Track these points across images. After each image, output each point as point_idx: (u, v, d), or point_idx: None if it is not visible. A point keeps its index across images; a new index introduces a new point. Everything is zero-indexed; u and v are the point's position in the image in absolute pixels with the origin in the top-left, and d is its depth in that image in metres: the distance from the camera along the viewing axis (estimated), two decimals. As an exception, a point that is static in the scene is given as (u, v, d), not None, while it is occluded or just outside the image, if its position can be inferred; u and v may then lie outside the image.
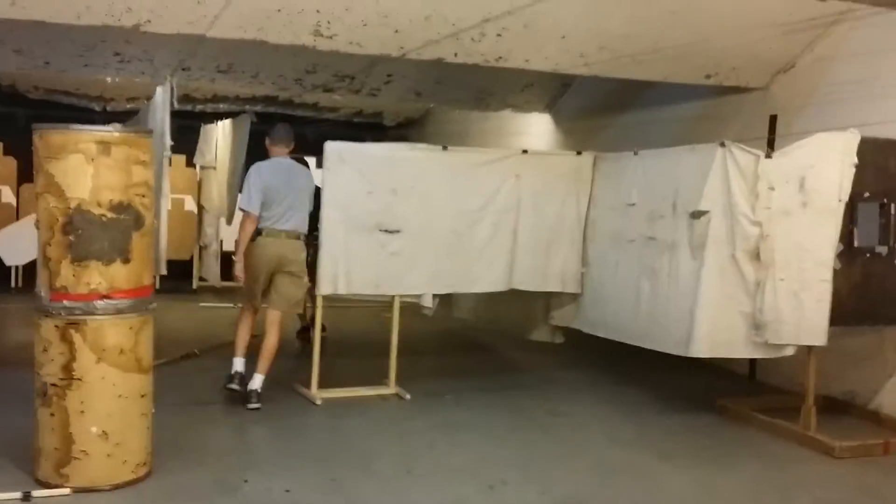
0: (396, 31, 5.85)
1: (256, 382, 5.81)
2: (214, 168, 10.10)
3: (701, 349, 5.58)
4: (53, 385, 4.13)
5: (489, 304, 7.39)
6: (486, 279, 6.56)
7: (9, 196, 9.96)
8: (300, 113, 13.18)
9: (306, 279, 6.08)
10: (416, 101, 10.61)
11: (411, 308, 6.66)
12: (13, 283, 10.24)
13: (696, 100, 7.95)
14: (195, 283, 10.97)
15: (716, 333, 5.55)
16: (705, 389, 6.50)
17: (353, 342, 8.26)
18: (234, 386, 5.84)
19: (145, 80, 8.79)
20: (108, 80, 9.44)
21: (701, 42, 6.20)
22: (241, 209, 5.92)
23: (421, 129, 14.79)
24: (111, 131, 4.11)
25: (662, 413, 6.08)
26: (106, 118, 12.24)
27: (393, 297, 6.37)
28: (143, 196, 4.21)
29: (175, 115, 10.81)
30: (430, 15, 5.67)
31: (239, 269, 5.98)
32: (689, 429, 5.72)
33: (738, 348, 5.63)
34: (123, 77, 9.02)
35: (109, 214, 4.07)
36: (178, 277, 10.47)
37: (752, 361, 6.79)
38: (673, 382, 6.74)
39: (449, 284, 6.46)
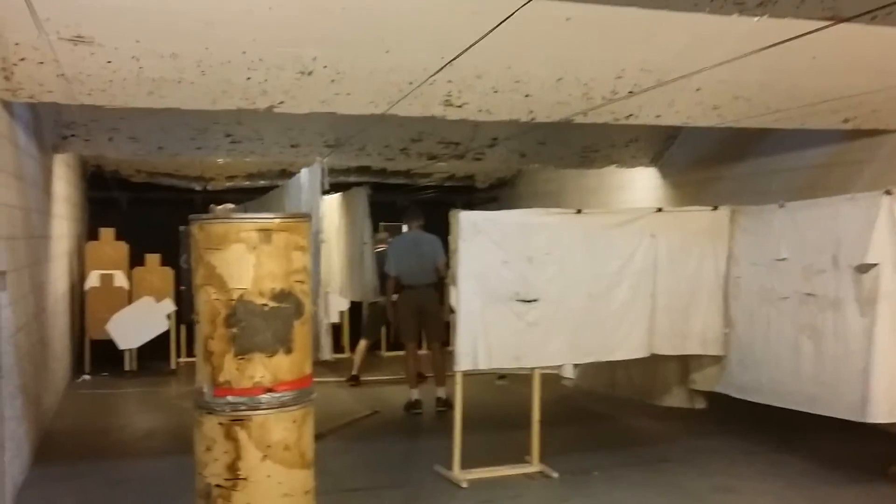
0: (527, 96, 5.70)
1: (440, 392, 7.77)
2: (323, 241, 10.05)
3: (879, 413, 5.17)
4: (218, 486, 3.95)
5: (604, 367, 7.07)
6: (625, 346, 6.27)
7: (121, 280, 10.05)
8: (393, 181, 13.19)
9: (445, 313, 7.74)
10: (519, 163, 10.46)
11: (521, 376, 6.38)
12: (126, 366, 10.28)
13: (824, 144, 7.60)
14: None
15: (895, 395, 5.13)
16: (869, 455, 6.03)
17: (474, 413, 7.97)
18: (418, 411, 7.90)
19: (256, 159, 8.85)
20: (220, 161, 9.53)
21: (840, 87, 5.89)
22: (386, 272, 8.33)
23: (512, 189, 14.65)
24: (272, 218, 3.99)
25: (834, 484, 5.63)
26: (207, 198, 12.40)
27: (532, 369, 6.09)
28: (302, 282, 4.06)
29: (268, 191, 10.88)
30: (562, 77, 5.50)
31: (390, 315, 8.64)
32: (867, 501, 5.27)
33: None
34: (234, 157, 9.09)
35: (271, 304, 3.93)
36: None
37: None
38: (830, 448, 6.28)
39: (589, 352, 6.18)
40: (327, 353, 5.31)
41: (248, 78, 5.09)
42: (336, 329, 11.13)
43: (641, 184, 10.64)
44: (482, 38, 4.33)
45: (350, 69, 5.11)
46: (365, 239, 8.59)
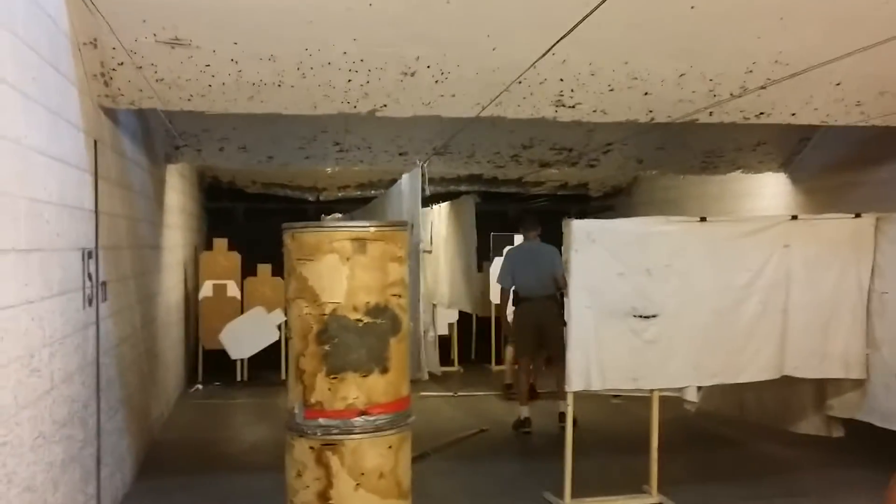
0: (646, 94, 5.27)
1: (562, 406, 6.52)
2: (430, 252, 9.82)
3: None
4: (310, 513, 3.71)
5: (731, 388, 6.49)
6: (754, 366, 5.72)
7: (234, 290, 10.09)
8: (504, 189, 12.86)
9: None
10: (636, 170, 9.94)
11: (638, 396, 5.91)
12: (239, 377, 10.30)
13: (983, 145, 6.83)
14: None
15: None
16: None
17: (586, 435, 7.53)
18: (527, 429, 7.51)
19: (364, 168, 8.69)
20: (329, 170, 9.42)
21: None
22: (498, 283, 8.13)
23: (628, 198, 14.08)
24: (367, 227, 3.73)
25: None
26: (319, 208, 12.42)
27: (651, 391, 5.63)
28: (400, 296, 3.78)
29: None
30: (685, 72, 5.05)
31: (506, 329, 8.44)
32: None
33: None
34: (343, 166, 8.96)
35: (366, 319, 3.66)
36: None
37: None
38: None
39: (714, 374, 5.66)
40: (425, 374, 5.01)
41: (350, 80, 4.88)
42: (445, 342, 10.90)
43: (769, 191, 9.94)
44: (590, 13, 3.93)
45: (455, 68, 4.82)
46: (472, 249, 8.27)
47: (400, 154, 8.57)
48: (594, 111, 5.46)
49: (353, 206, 12.13)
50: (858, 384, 5.96)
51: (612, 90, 5.19)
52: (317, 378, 3.67)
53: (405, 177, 5.11)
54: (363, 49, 4.54)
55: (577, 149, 8.84)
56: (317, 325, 3.65)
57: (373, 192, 12.12)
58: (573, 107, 5.36)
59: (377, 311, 3.68)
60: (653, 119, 5.67)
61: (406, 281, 3.86)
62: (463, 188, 11.64)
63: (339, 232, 3.66)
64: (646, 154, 9.18)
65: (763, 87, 5.27)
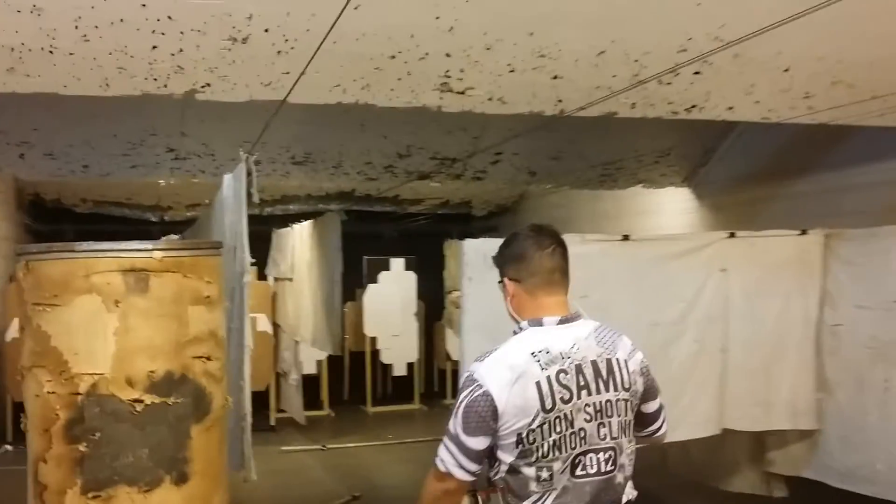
0: (555, 78, 4.08)
1: None
2: (291, 280, 8.40)
3: None
4: None
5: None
6: (689, 421, 4.63)
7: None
8: (379, 208, 11.63)
9: None
10: (528, 182, 8.83)
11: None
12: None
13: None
14: (273, 419, 9.12)
15: None
16: None
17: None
18: None
19: (206, 179, 7.23)
20: (161, 182, 7.88)
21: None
22: None
23: (514, 216, 13.04)
24: (149, 249, 2.34)
25: None
26: (165, 230, 10.77)
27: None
28: (208, 358, 2.40)
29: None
30: (605, 49, 3.89)
31: None
32: None
33: None
34: (179, 178, 7.45)
35: (148, 399, 2.27)
36: (252, 410, 8.71)
37: None
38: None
39: (642, 433, 4.50)
40: (252, 472, 3.62)
41: (155, 46, 3.46)
42: (313, 381, 9.47)
43: (671, 207, 9.03)
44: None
45: (304, 34, 3.49)
46: (335, 276, 6.88)
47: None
48: (490, 99, 4.24)
49: (206, 227, 10.57)
50: (806, 435, 4.95)
51: (512, 71, 3.98)
52: (66, 499, 2.24)
53: (227, 178, 3.72)
54: (171, 1, 3.16)
55: (462, 158, 7.65)
56: (66, 411, 2.24)
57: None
58: (463, 92, 4.12)
59: (168, 384, 2.30)
60: (562, 111, 4.49)
61: (221, 333, 2.49)
62: (333, 207, 10.30)
63: (102, 258, 2.26)
64: (538, 165, 8.10)
65: (698, 74, 4.19)
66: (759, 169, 7.74)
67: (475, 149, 7.51)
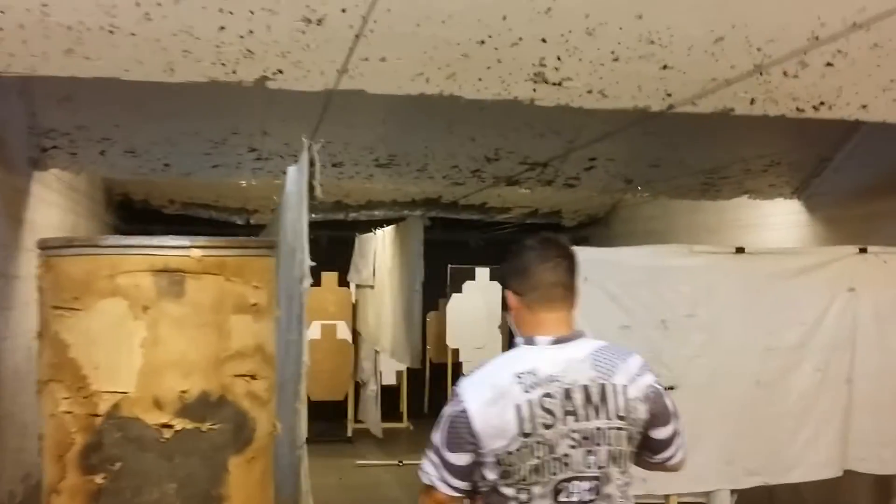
0: (665, 68, 3.62)
1: None
2: (372, 287, 8.09)
3: None
4: None
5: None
6: (809, 460, 4.10)
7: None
8: (465, 216, 11.25)
9: None
10: (624, 191, 8.31)
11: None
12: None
13: None
14: (350, 430, 8.81)
15: None
16: None
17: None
18: None
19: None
20: (243, 183, 7.69)
21: None
22: None
23: (606, 228, 12.47)
24: (186, 246, 2.00)
25: None
26: (250, 233, 10.68)
27: (666, 497, 3.93)
28: (253, 377, 2.06)
29: (324, 225, 9.04)
30: (723, 35, 3.43)
31: None
32: None
33: None
34: (261, 178, 7.23)
35: (179, 424, 1.93)
36: (330, 420, 8.48)
37: None
38: None
39: (753, 471, 4.00)
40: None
41: (222, 27, 3.17)
42: (392, 392, 9.15)
43: (778, 220, 8.34)
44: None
45: (384, 14, 3.14)
46: (416, 285, 6.51)
47: (333, 165, 6.87)
48: (589, 92, 3.80)
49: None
50: (942, 482, 4.33)
51: (616, 59, 3.54)
52: (81, 536, 1.91)
53: (291, 171, 3.37)
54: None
55: (553, 164, 7.19)
56: (82, 435, 1.91)
57: (312, 215, 10.34)
58: (559, 83, 3.69)
59: (203, 407, 1.96)
60: (671, 106, 4.01)
61: (270, 347, 2.13)
62: (418, 213, 9.99)
63: (131, 256, 1.92)
64: (636, 172, 7.56)
65: (830, 65, 3.67)
66: (881, 180, 7.04)
67: (568, 153, 7.06)
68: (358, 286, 8.99)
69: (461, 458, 2.19)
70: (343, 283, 9.16)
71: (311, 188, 2.87)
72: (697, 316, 3.83)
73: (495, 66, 3.54)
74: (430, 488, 2.23)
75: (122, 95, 5.16)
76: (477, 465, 2.19)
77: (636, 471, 3.73)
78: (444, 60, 3.47)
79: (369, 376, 8.50)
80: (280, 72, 3.48)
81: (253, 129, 6.34)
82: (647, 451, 2.42)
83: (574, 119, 6.54)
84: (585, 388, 2.22)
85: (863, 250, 4.16)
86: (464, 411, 2.18)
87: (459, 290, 9.84)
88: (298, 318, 2.42)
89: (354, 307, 8.91)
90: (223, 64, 3.39)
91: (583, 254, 3.73)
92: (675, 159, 7.46)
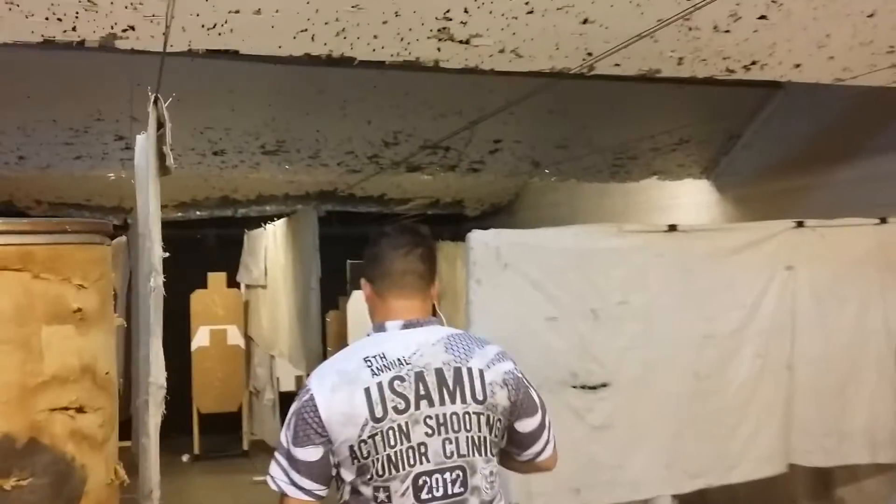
0: (585, 22, 3.18)
1: None
2: (265, 287, 7.46)
3: None
4: None
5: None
6: (751, 456, 3.73)
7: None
8: (364, 209, 10.71)
9: None
10: (531, 175, 7.93)
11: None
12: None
13: None
14: (246, 443, 8.16)
15: None
16: None
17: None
18: None
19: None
20: (112, 176, 6.95)
21: None
22: None
23: (510, 217, 12.13)
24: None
25: None
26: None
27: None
28: (79, 409, 1.47)
29: (210, 223, 8.34)
30: (650, -17, 3.01)
31: None
32: None
33: None
34: (132, 171, 6.50)
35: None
36: (222, 433, 7.83)
37: None
38: None
39: (695, 474, 3.61)
40: None
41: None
42: (291, 400, 8.54)
43: (687, 201, 8.12)
44: None
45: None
46: (313, 282, 5.94)
47: (214, 154, 6.25)
48: (501, 51, 3.32)
49: (174, 230, 9.60)
50: (884, 469, 4.07)
51: (531, 12, 3.08)
52: None
53: (139, 139, 2.74)
54: None
55: (457, 147, 6.74)
56: None
57: (197, 213, 9.60)
58: (467, 41, 3.21)
59: (6, 455, 1.36)
60: (591, 67, 3.57)
61: (103, 367, 1.56)
62: (312, 207, 9.39)
63: None
64: (543, 154, 7.19)
65: (764, 18, 3.30)
66: (791, 156, 6.86)
67: (473, 136, 6.61)
68: (249, 287, 8.33)
69: (311, 454, 2.05)
70: (233, 284, 8.48)
71: (163, 157, 2.28)
72: (630, 303, 3.41)
73: (392, 19, 3.02)
74: (280, 497, 2.08)
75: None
76: (331, 463, 2.07)
77: (568, 481, 3.32)
78: (333, 13, 2.93)
79: (265, 384, 7.86)
80: (131, 28, 2.87)
81: (119, 114, 5.65)
82: (514, 447, 2.27)
83: (476, 98, 6.11)
84: (439, 372, 2.12)
85: (800, 224, 3.83)
86: (310, 399, 2.07)
87: (360, 287, 9.27)
88: (146, 326, 1.88)
89: (246, 309, 8.24)
90: (59, 19, 2.76)
91: (501, 237, 3.30)
92: (583, 139, 7.13)
